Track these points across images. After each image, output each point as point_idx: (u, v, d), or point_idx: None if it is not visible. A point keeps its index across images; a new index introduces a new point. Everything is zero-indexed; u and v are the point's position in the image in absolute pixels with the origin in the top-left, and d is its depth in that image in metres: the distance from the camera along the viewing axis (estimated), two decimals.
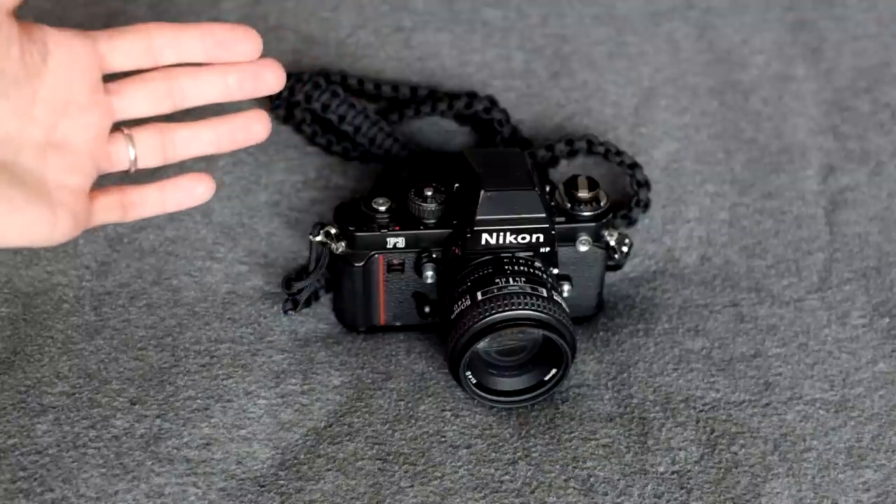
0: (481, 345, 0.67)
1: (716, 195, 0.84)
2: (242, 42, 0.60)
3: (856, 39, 0.96)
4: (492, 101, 0.85)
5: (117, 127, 0.60)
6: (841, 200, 0.84)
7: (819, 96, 0.91)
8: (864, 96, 0.92)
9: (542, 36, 0.94)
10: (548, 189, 0.73)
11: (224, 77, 0.61)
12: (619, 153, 0.80)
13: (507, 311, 0.67)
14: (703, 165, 0.86)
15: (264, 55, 0.91)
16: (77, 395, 0.68)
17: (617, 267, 0.77)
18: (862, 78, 0.93)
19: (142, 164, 0.61)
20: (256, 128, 0.63)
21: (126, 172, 0.61)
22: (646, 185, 0.80)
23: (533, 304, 0.67)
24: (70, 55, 0.57)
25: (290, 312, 0.74)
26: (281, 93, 0.83)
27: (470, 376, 0.68)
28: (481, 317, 0.67)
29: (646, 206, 0.80)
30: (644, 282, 0.78)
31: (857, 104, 0.91)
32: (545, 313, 0.67)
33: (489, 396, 0.69)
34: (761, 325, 0.76)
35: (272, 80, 0.62)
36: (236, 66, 0.61)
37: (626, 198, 0.81)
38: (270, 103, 0.85)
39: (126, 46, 0.59)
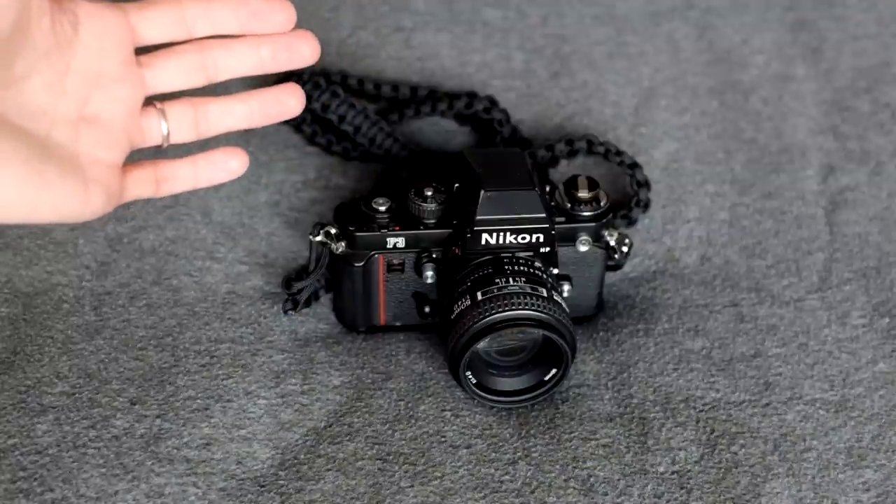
0: (481, 345, 0.67)
1: (716, 195, 0.84)
2: (277, 12, 0.59)
3: (856, 39, 0.96)
4: (492, 101, 0.85)
5: (150, 101, 0.59)
6: (841, 200, 0.84)
7: (819, 96, 0.91)
8: (864, 96, 0.92)
9: (542, 36, 0.94)
10: (548, 189, 0.73)
11: (258, 49, 0.60)
12: (619, 153, 0.80)
13: (507, 311, 0.67)
14: (703, 165, 0.86)
15: None
16: (77, 395, 0.68)
17: (617, 267, 0.77)
18: (862, 78, 0.93)
19: (174, 139, 0.60)
20: (290, 102, 0.62)
21: (158, 147, 0.60)
22: (646, 185, 0.80)
23: (533, 304, 0.67)
24: (102, 26, 0.56)
25: (290, 312, 0.74)
26: None
27: (470, 376, 0.68)
28: (481, 317, 0.67)
29: (646, 206, 0.80)
30: (644, 282, 0.78)
31: (857, 104, 0.91)
32: (545, 313, 0.67)
33: (489, 396, 0.69)
34: (761, 325, 0.76)
35: (307, 51, 0.60)
36: (270, 37, 0.60)
37: (626, 198, 0.81)
38: None
39: (158, 18, 0.58)
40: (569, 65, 0.92)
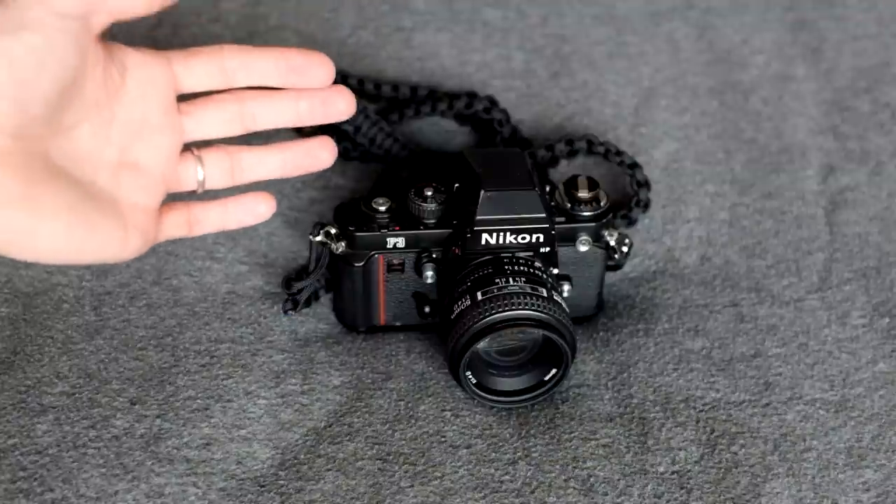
0: (481, 345, 0.67)
1: (716, 195, 0.84)
2: (316, 68, 0.60)
3: (856, 39, 0.96)
4: (492, 101, 0.85)
5: (187, 147, 0.61)
6: (841, 200, 0.84)
7: (819, 96, 0.91)
8: (864, 96, 0.92)
9: (542, 36, 0.94)
10: (548, 189, 0.73)
11: (296, 102, 0.61)
12: (619, 153, 0.80)
13: (507, 311, 0.67)
14: (703, 165, 0.86)
15: None
16: (77, 395, 0.68)
17: (617, 267, 0.77)
18: (862, 78, 0.93)
19: (209, 185, 0.62)
20: (322, 154, 0.64)
21: (193, 192, 0.62)
22: (646, 185, 0.80)
23: (533, 304, 0.67)
24: (147, 75, 0.58)
25: (290, 312, 0.74)
26: None
27: (470, 376, 0.68)
28: (481, 317, 0.67)
29: (646, 206, 0.80)
30: (644, 282, 0.78)
31: (857, 104, 0.91)
32: (545, 313, 0.67)
33: (489, 396, 0.69)
34: (761, 325, 0.76)
35: (343, 106, 0.62)
36: (308, 91, 0.61)
37: (626, 198, 0.81)
38: None
39: (200, 67, 0.59)
40: (569, 65, 0.92)
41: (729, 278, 0.79)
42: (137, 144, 0.58)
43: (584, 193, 0.72)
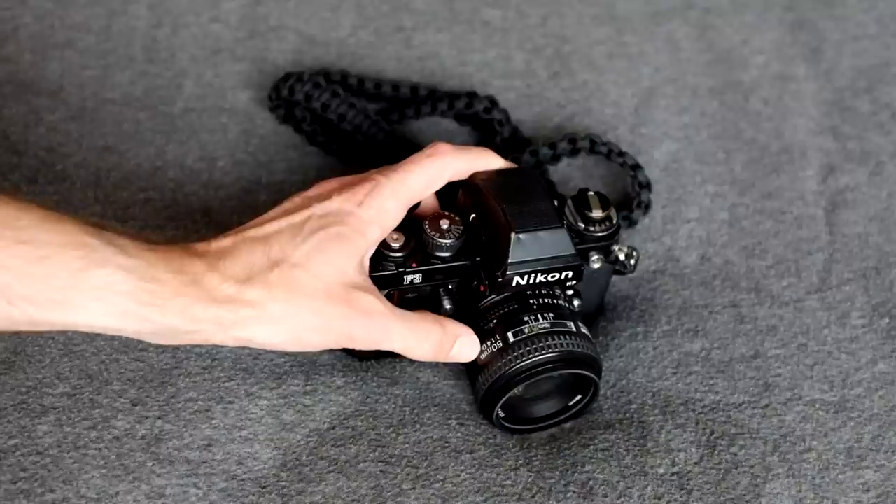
0: (518, 389, 0.67)
1: (716, 195, 0.84)
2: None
3: (856, 39, 0.96)
4: (492, 101, 0.85)
5: None
6: (841, 200, 0.84)
7: (819, 96, 0.91)
8: (864, 96, 0.92)
9: (542, 36, 0.94)
10: (556, 203, 0.71)
11: None
12: (621, 154, 0.80)
13: (542, 353, 0.66)
14: (703, 165, 0.86)
15: (264, 55, 0.91)
16: (78, 395, 0.68)
17: (623, 272, 0.76)
18: (862, 78, 0.93)
19: None
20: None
21: None
22: (647, 186, 0.80)
23: (566, 343, 0.66)
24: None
25: None
26: (281, 92, 0.83)
27: (500, 412, 0.68)
28: (517, 361, 0.66)
29: (647, 207, 0.80)
30: (644, 282, 0.78)
31: (857, 104, 0.91)
32: (578, 350, 0.66)
33: (516, 427, 0.69)
34: (761, 325, 0.76)
35: None
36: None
37: (627, 198, 0.81)
38: (270, 102, 0.85)
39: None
40: (569, 65, 0.92)
41: (729, 278, 0.79)
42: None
43: (597, 213, 0.71)
